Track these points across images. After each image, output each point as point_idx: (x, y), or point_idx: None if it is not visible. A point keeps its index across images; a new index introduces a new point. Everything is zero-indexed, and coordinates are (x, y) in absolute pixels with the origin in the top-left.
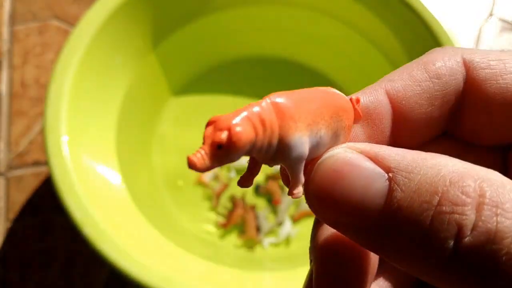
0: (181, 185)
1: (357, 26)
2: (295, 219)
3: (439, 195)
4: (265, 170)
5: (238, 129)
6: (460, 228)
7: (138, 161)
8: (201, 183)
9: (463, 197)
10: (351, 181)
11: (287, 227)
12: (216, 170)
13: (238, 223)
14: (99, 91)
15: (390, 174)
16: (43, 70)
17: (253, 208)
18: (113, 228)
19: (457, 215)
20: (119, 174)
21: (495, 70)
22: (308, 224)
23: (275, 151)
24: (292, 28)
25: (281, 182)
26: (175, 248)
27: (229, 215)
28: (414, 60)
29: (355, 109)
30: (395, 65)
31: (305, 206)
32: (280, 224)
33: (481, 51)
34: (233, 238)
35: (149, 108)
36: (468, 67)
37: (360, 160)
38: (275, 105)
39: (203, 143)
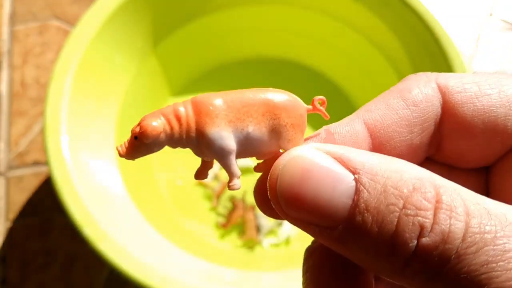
0: (181, 185)
1: (357, 26)
2: None
3: (404, 199)
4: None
5: (146, 122)
6: (421, 229)
7: (138, 161)
8: (201, 183)
9: (425, 202)
10: (319, 181)
11: (287, 227)
12: (216, 170)
13: (238, 223)
14: (99, 91)
15: (356, 176)
16: (43, 70)
17: (253, 208)
18: (113, 228)
19: (420, 218)
20: (119, 174)
21: (470, 93)
22: None
23: (197, 144)
24: (292, 28)
25: None
26: (175, 248)
27: (229, 215)
28: (390, 89)
29: (316, 110)
30: (394, 65)
31: None
32: (280, 224)
33: (455, 75)
34: (233, 238)
35: (149, 108)
36: (443, 92)
37: (328, 161)
38: (194, 103)
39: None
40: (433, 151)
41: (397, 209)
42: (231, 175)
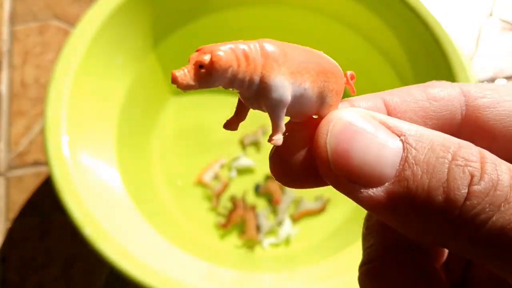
0: (181, 185)
1: (357, 26)
2: (295, 219)
3: (452, 152)
4: (265, 170)
5: (220, 53)
6: (472, 177)
7: (138, 161)
8: (201, 183)
9: (471, 155)
10: (368, 140)
11: (287, 227)
12: (216, 170)
13: (238, 223)
14: (99, 91)
15: (403, 137)
16: (43, 70)
17: (253, 208)
18: (113, 228)
19: (470, 167)
20: (119, 174)
21: (491, 99)
22: (308, 224)
23: (257, 89)
24: (292, 28)
25: None
26: (175, 248)
27: (229, 215)
28: (414, 85)
29: (348, 83)
30: (394, 65)
31: (305, 206)
32: (280, 224)
33: (475, 84)
34: (233, 238)
35: (149, 108)
36: (466, 96)
37: (374, 123)
38: (262, 46)
39: (188, 63)
40: None
41: (447, 161)
42: (277, 128)
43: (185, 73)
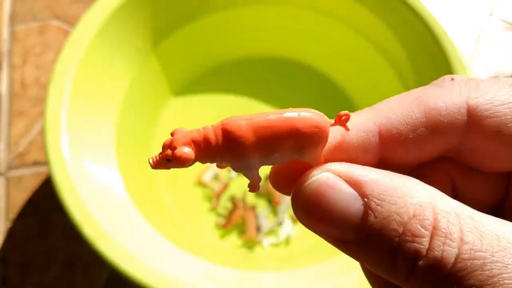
0: (181, 185)
1: (357, 26)
2: (295, 219)
3: (404, 225)
4: (265, 170)
5: (180, 151)
6: (417, 254)
7: (138, 161)
8: (201, 183)
9: (422, 230)
10: (333, 201)
11: (287, 227)
12: (216, 170)
13: (238, 223)
14: (99, 91)
15: (366, 199)
16: (43, 70)
17: (253, 208)
18: (113, 228)
19: (416, 244)
20: (119, 174)
21: (502, 119)
22: None
23: (231, 164)
24: (293, 28)
25: None
26: (175, 248)
27: (229, 215)
28: (415, 96)
29: (340, 124)
30: (394, 65)
31: None
32: (280, 224)
33: (487, 93)
34: (233, 238)
35: (149, 108)
36: (471, 114)
37: (341, 184)
38: (225, 131)
39: (162, 149)
40: (451, 155)
41: (397, 235)
42: (254, 182)
43: (156, 159)
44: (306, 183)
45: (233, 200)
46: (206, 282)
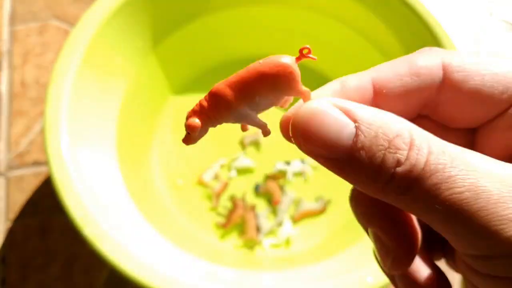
0: (181, 185)
1: (357, 26)
2: (296, 220)
3: (389, 142)
4: (265, 170)
5: (187, 122)
6: (398, 162)
7: (138, 161)
8: (201, 183)
9: (403, 145)
10: (328, 124)
11: (287, 227)
12: (216, 170)
13: (238, 223)
14: (99, 91)
15: (357, 124)
16: (43, 70)
17: (253, 208)
18: (113, 228)
19: (398, 154)
20: (119, 174)
21: (468, 73)
22: (308, 225)
23: (228, 119)
24: (292, 28)
25: (281, 182)
26: (175, 248)
27: (229, 215)
28: (401, 57)
29: (304, 57)
30: None
31: (305, 207)
32: (280, 224)
33: (460, 55)
34: (233, 238)
35: (149, 108)
36: (446, 70)
37: (335, 110)
38: (211, 96)
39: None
40: (429, 112)
41: (383, 148)
42: (260, 127)
43: (186, 137)
44: (304, 107)
45: (233, 199)
46: (206, 282)
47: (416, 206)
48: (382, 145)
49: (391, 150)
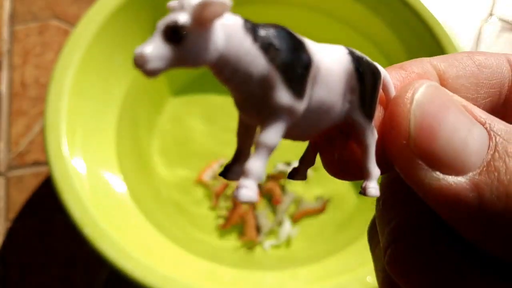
0: (181, 185)
1: (357, 26)
2: (295, 219)
3: None
4: (266, 170)
5: None
6: None
7: (138, 161)
8: (201, 183)
9: None
10: (457, 120)
11: (287, 227)
12: (216, 169)
13: (238, 223)
14: (99, 91)
15: (487, 125)
16: (43, 70)
17: (253, 208)
18: (113, 228)
19: None
20: (119, 174)
21: None
22: (308, 224)
23: None
24: (292, 28)
25: (281, 182)
26: (175, 248)
27: (229, 215)
28: (458, 52)
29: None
30: None
31: (305, 206)
32: (280, 224)
33: None
34: (233, 239)
35: (149, 107)
36: None
37: (460, 104)
38: None
39: None
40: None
41: None
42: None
43: None
44: (419, 87)
45: (233, 199)
46: (206, 282)
47: None
48: None
49: None
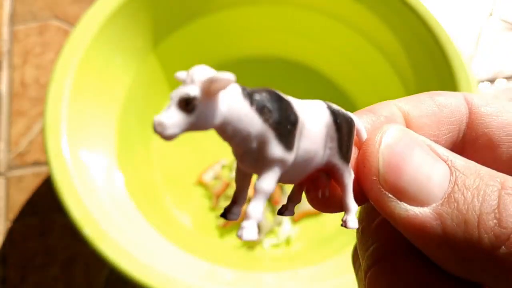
0: (181, 185)
1: (357, 26)
2: (295, 220)
3: (500, 181)
4: None
5: None
6: None
7: (138, 161)
8: (201, 183)
9: None
10: (421, 157)
11: (287, 227)
12: (217, 170)
13: (238, 223)
14: (99, 91)
15: (449, 162)
16: (43, 70)
17: None
18: (113, 228)
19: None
20: (119, 174)
21: (494, 108)
22: (308, 225)
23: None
24: (292, 28)
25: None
26: (175, 248)
27: None
28: (420, 93)
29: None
30: (394, 65)
31: (304, 206)
32: (279, 223)
33: (477, 94)
34: (233, 238)
35: (149, 108)
36: (470, 104)
37: (424, 144)
38: None
39: None
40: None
41: (496, 189)
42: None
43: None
44: (386, 131)
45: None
46: (206, 282)
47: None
48: (493, 185)
49: (508, 191)
